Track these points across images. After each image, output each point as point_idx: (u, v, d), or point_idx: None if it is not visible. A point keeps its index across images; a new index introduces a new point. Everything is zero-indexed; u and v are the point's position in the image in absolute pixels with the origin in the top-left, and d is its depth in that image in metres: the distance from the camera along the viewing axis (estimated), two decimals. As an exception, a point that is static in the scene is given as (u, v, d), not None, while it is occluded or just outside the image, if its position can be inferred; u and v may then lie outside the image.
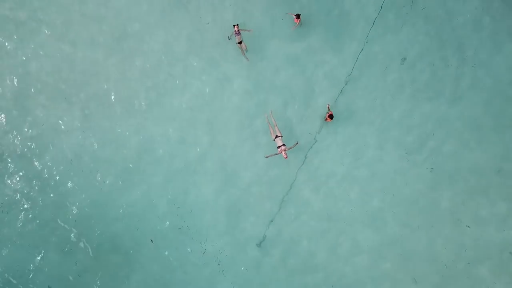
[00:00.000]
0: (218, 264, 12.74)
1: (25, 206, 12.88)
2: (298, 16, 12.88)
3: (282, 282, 12.66)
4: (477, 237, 12.26)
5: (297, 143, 12.56)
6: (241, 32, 12.89)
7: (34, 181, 12.98)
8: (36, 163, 13.04)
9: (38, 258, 12.71)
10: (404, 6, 12.96)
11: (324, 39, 13.17)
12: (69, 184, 13.03)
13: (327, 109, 12.82)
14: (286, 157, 12.21)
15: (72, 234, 12.85)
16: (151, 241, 12.69)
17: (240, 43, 12.97)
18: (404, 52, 12.92)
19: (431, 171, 12.53)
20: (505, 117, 12.44)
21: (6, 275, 12.64)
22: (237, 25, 12.86)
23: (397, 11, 13.03)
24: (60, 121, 13.22)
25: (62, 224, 12.88)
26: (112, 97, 13.32)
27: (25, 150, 13.04)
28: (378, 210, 12.69)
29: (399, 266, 12.42)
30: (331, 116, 12.69)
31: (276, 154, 12.46)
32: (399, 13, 12.97)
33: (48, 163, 13.03)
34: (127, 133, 13.24)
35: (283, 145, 12.35)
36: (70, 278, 12.70)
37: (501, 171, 12.32)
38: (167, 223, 12.88)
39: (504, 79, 12.51)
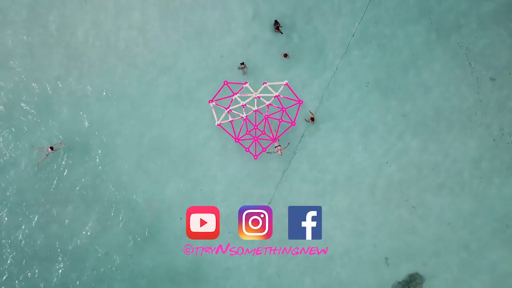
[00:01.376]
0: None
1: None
2: (285, 55, 17.46)
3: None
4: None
5: (289, 143, 16.69)
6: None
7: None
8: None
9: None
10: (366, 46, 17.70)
11: (307, 66, 17.70)
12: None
13: (310, 113, 17.02)
14: (281, 154, 16.38)
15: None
16: (180, 219, 16.75)
17: (242, 68, 17.50)
18: (368, 76, 17.55)
19: (390, 165, 16.98)
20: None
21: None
22: (242, 62, 17.29)
23: (360, 48, 17.66)
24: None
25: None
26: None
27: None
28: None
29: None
30: (313, 119, 16.98)
31: (274, 152, 16.55)
32: (364, 48, 17.65)
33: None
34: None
35: (279, 145, 16.50)
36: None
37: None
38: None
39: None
